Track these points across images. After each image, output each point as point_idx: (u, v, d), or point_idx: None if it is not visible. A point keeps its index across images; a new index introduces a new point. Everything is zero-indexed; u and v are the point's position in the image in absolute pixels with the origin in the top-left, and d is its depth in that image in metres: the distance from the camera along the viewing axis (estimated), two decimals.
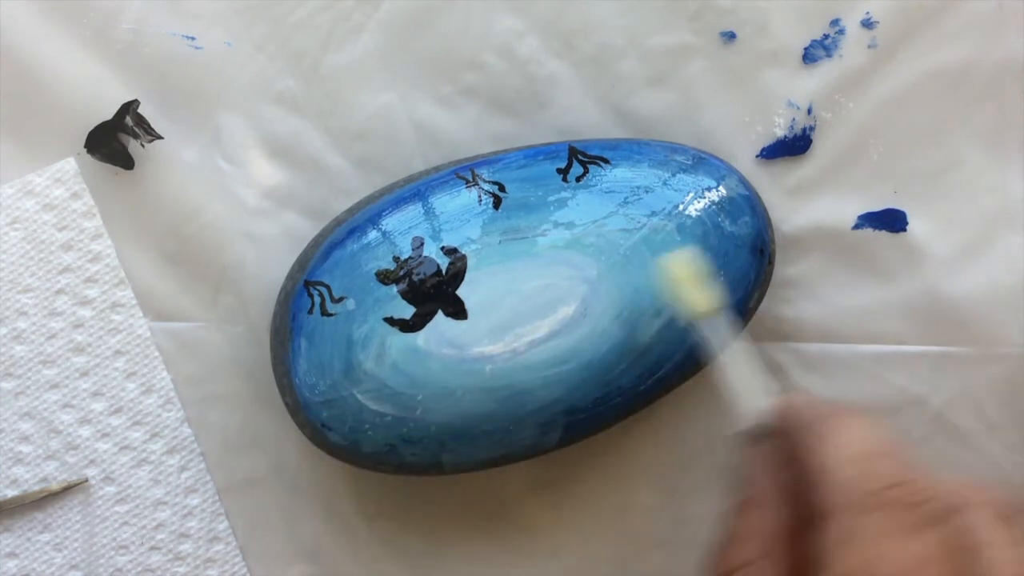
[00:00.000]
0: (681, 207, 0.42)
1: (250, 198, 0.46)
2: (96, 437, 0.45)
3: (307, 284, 0.42)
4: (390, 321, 0.41)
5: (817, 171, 0.46)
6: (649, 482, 0.47)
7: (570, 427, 0.42)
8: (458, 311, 0.41)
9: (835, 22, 0.45)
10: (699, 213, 0.42)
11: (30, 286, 0.45)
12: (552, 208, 0.42)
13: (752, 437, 0.34)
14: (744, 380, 0.36)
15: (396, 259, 0.41)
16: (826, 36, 0.45)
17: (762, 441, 0.34)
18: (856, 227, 0.46)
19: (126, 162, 0.45)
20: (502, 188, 0.42)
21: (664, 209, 0.42)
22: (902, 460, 0.30)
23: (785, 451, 0.32)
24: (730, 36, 0.46)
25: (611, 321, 0.41)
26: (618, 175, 0.42)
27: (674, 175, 0.43)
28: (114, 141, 0.45)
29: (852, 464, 0.30)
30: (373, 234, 0.42)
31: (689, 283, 0.39)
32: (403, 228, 0.42)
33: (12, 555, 0.45)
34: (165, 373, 0.46)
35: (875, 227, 0.46)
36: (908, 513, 0.29)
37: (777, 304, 0.46)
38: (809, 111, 0.46)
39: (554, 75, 0.46)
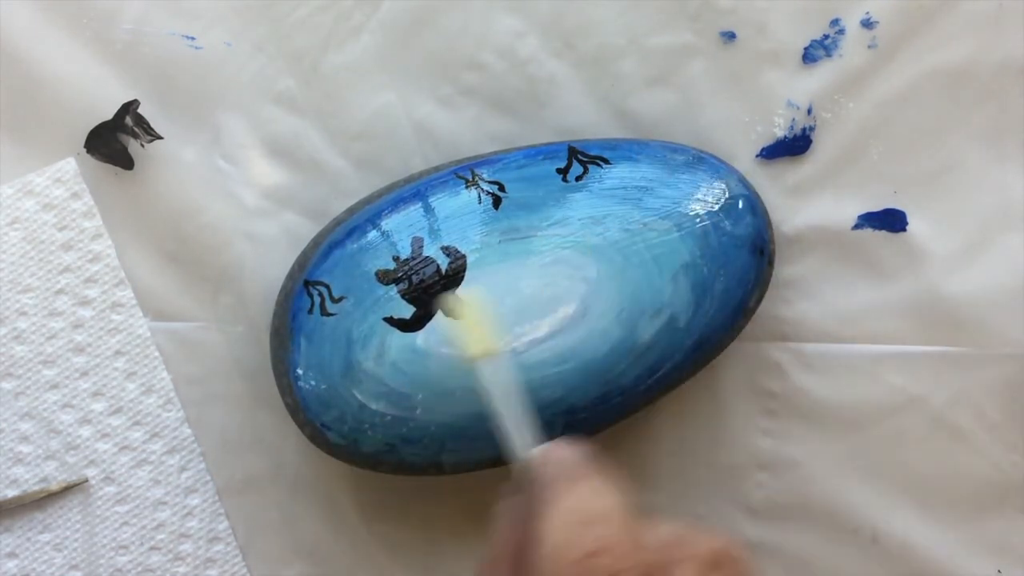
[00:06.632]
0: (681, 207, 0.42)
1: (250, 198, 0.46)
2: (96, 437, 0.45)
3: (307, 284, 0.42)
4: (390, 321, 0.41)
5: (817, 171, 0.46)
6: (649, 482, 0.47)
7: (570, 427, 0.42)
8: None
9: (835, 22, 0.45)
10: (699, 213, 0.42)
11: (30, 286, 0.45)
12: (552, 208, 0.42)
13: (507, 490, 0.34)
14: (515, 425, 0.36)
15: (396, 259, 0.41)
16: (826, 36, 0.45)
17: (514, 495, 0.34)
18: (856, 227, 0.46)
19: (126, 162, 0.45)
20: (502, 188, 0.42)
21: (664, 209, 0.42)
22: (618, 525, 0.30)
23: (524, 510, 0.32)
24: (730, 36, 0.46)
25: (611, 321, 0.41)
26: (618, 175, 0.42)
27: (674, 175, 0.43)
28: (114, 141, 0.45)
29: (561, 531, 0.30)
30: (373, 234, 0.42)
31: (472, 323, 0.38)
32: (403, 228, 0.42)
33: (12, 555, 0.45)
34: (165, 373, 0.46)
35: (875, 227, 0.46)
36: None
37: (777, 304, 0.46)
38: (809, 111, 0.46)
39: (554, 75, 0.46)
